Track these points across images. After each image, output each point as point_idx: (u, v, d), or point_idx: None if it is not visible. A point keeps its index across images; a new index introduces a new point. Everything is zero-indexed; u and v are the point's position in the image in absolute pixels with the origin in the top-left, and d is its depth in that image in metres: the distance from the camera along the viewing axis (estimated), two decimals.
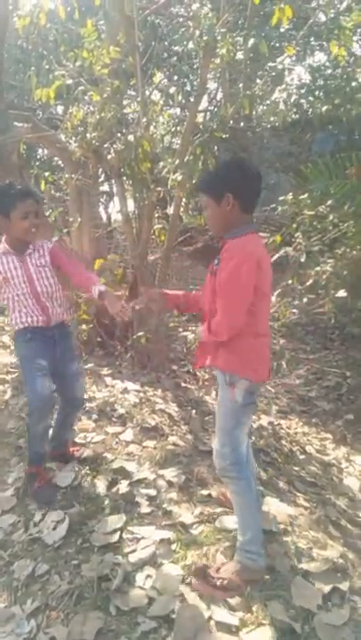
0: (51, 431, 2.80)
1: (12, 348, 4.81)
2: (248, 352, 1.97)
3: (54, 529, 2.35)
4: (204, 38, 3.38)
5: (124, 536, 2.29)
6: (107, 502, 2.54)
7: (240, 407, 1.99)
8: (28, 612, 1.93)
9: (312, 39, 6.67)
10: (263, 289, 1.93)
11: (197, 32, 3.45)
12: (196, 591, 1.96)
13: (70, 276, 2.66)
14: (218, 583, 1.95)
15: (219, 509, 2.49)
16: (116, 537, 2.28)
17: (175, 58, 6.50)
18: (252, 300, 1.89)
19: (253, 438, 3.48)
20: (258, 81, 4.63)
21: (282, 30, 6.14)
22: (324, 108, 4.15)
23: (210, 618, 1.83)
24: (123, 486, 2.64)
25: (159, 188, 3.99)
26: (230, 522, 2.35)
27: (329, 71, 6.43)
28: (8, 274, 2.49)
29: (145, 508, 2.48)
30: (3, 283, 2.52)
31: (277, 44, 6.32)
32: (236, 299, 1.88)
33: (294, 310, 4.21)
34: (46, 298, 2.54)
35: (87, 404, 3.47)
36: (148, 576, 2.05)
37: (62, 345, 2.63)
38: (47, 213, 4.69)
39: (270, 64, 5.68)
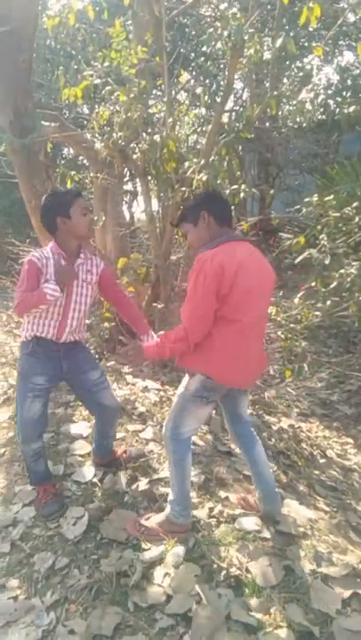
0: (93, 442, 2.84)
1: None
2: (211, 352, 2.07)
3: (74, 524, 2.38)
4: (232, 39, 3.37)
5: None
6: (126, 499, 2.56)
7: (190, 395, 2.17)
8: (48, 604, 1.96)
9: (341, 39, 6.61)
10: (228, 292, 1.98)
11: (225, 32, 3.44)
12: (126, 529, 2.31)
13: (120, 309, 2.69)
14: (143, 530, 2.28)
15: (238, 510, 2.49)
16: None
17: (202, 58, 6.51)
18: (216, 306, 2.00)
19: (273, 440, 3.46)
20: (285, 81, 4.60)
21: (310, 30, 6.10)
22: (352, 109, 4.10)
23: (228, 617, 1.83)
24: (142, 483, 2.66)
25: (184, 188, 3.99)
26: (249, 523, 2.35)
27: (357, 71, 6.36)
28: (49, 276, 2.31)
29: (164, 505, 2.48)
30: (32, 286, 2.29)
31: (306, 44, 6.28)
32: (193, 310, 2.03)
33: (317, 313, 4.17)
34: (74, 316, 2.41)
35: None
36: (167, 574, 2.06)
37: (72, 359, 2.49)
38: None
39: (298, 64, 5.64)
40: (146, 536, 2.26)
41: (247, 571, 2.05)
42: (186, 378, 2.23)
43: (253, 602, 1.91)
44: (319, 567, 2.11)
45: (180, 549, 2.18)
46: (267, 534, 2.30)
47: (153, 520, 2.34)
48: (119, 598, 1.97)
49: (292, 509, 2.55)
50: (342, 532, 2.52)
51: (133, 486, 2.65)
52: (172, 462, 2.28)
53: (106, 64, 3.98)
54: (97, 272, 2.51)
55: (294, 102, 3.75)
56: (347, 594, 1.96)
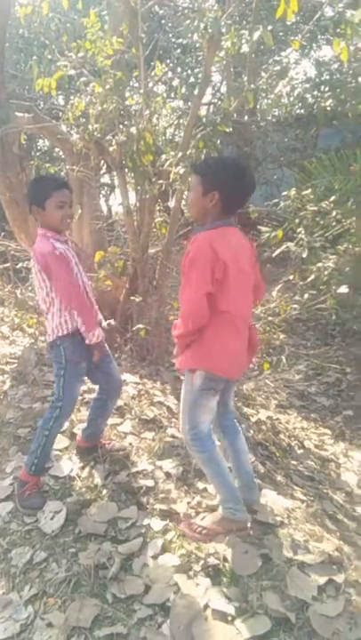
0: (85, 422, 2.85)
1: (12, 338, 4.83)
2: (208, 346, 2.07)
3: (52, 519, 2.36)
4: (209, 31, 3.36)
5: (121, 526, 2.30)
6: (104, 492, 2.56)
7: (198, 391, 2.14)
8: (26, 598, 1.95)
9: (319, 33, 6.64)
10: (221, 278, 1.98)
11: (202, 24, 3.43)
12: (182, 532, 2.23)
13: None
14: (200, 530, 2.21)
15: (216, 501, 2.50)
16: (113, 526, 2.29)
17: (179, 50, 6.47)
18: (211, 290, 1.98)
19: (252, 432, 3.49)
20: (263, 74, 4.61)
21: (288, 24, 6.11)
22: (328, 102, 4.13)
23: (206, 606, 1.84)
24: (121, 476, 2.65)
25: (161, 181, 3.98)
26: None
27: (335, 66, 6.40)
28: (73, 261, 2.44)
29: (142, 498, 2.49)
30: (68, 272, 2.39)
31: (283, 38, 6.29)
32: (194, 290, 1.99)
33: (295, 306, 4.22)
34: (89, 295, 2.52)
35: (86, 396, 3.48)
36: (145, 565, 2.06)
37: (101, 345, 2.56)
38: None
39: (276, 58, 5.66)
40: (205, 536, 2.20)
41: (225, 560, 2.07)
42: (186, 377, 2.20)
43: (231, 590, 1.92)
44: (296, 555, 2.14)
45: (158, 541, 2.19)
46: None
47: (208, 520, 2.28)
48: (98, 590, 1.96)
49: (270, 499, 2.57)
50: (319, 520, 2.56)
51: (111, 479, 2.65)
52: (202, 463, 2.25)
53: (80, 54, 3.93)
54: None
55: (272, 96, 3.76)
56: (322, 580, 1.99)
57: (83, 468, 2.75)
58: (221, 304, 2.03)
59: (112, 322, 2.68)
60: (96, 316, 2.56)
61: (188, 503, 2.49)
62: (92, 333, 2.39)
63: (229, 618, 1.80)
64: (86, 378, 2.71)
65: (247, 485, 2.43)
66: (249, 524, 2.25)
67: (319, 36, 7.61)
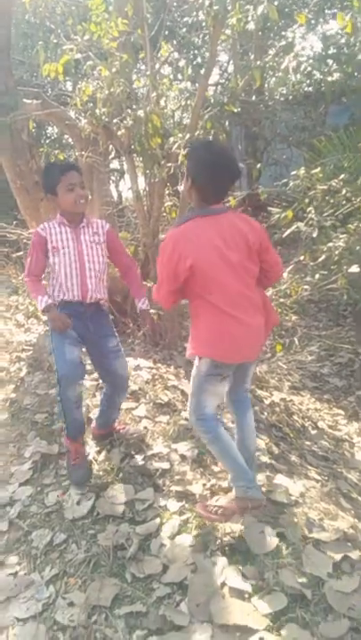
0: (97, 411, 2.89)
1: (27, 326, 4.88)
2: (203, 334, 2.13)
3: (78, 504, 2.41)
4: (215, 8, 3.31)
5: (138, 507, 2.35)
6: (121, 475, 2.60)
7: (203, 376, 2.16)
8: (47, 578, 2.00)
9: (326, 7, 6.49)
10: (190, 274, 2.02)
11: (207, 1, 3.37)
12: (198, 513, 2.23)
13: (122, 271, 2.81)
14: (216, 510, 2.18)
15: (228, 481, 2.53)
16: (130, 508, 2.34)
17: (184, 29, 6.37)
18: (177, 285, 2.06)
19: (266, 414, 3.51)
20: (270, 52, 4.53)
21: None
22: (335, 76, 4.05)
23: (223, 584, 1.88)
24: (137, 460, 2.70)
25: (170, 164, 3.95)
26: None
27: (342, 40, 6.26)
28: (59, 244, 2.51)
29: (158, 481, 2.53)
30: (51, 252, 2.52)
31: (289, 13, 6.16)
32: (159, 285, 2.14)
33: (306, 287, 4.18)
34: (90, 275, 2.54)
35: (100, 382, 3.51)
36: (162, 545, 2.10)
37: (96, 322, 2.63)
38: None
39: (283, 34, 5.54)
40: (221, 516, 2.19)
41: (241, 539, 2.10)
42: (196, 360, 2.22)
43: (247, 569, 1.96)
44: (311, 533, 2.16)
45: (175, 522, 2.23)
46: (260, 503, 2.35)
47: (223, 500, 2.27)
48: (117, 570, 2.01)
49: (284, 479, 2.60)
50: (333, 499, 2.58)
51: (127, 462, 2.69)
52: (209, 443, 2.26)
53: (86, 37, 3.89)
54: (103, 232, 2.64)
55: (279, 73, 3.69)
56: (338, 557, 2.01)
57: (99, 452, 2.79)
58: (204, 293, 2.06)
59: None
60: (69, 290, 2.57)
61: (204, 485, 2.52)
62: (39, 299, 2.51)
63: (246, 595, 1.84)
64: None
65: (246, 461, 2.46)
66: (264, 502, 2.26)
67: (326, 10, 7.44)
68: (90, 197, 4.58)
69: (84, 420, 2.68)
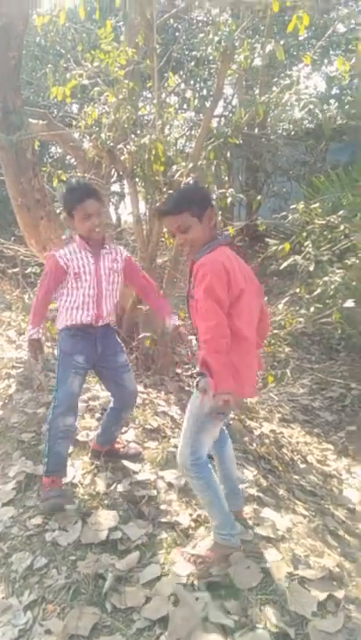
0: (100, 428, 2.87)
1: (19, 342, 4.85)
2: (236, 369, 1.96)
3: (67, 531, 2.34)
4: (223, 44, 3.41)
5: (121, 535, 2.30)
6: (106, 501, 2.55)
7: (208, 415, 2.04)
8: (25, 603, 1.94)
9: (331, 49, 6.70)
10: (234, 298, 1.97)
11: (217, 38, 3.48)
12: (179, 557, 2.15)
13: (144, 295, 2.86)
14: (194, 560, 2.12)
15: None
16: (113, 535, 2.28)
17: (192, 62, 6.55)
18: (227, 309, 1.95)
19: (255, 445, 3.48)
20: (274, 89, 4.66)
21: (301, 39, 6.18)
22: (335, 114, 4.16)
23: (205, 619, 1.83)
24: (123, 485, 2.65)
25: (171, 191, 4.00)
26: None
27: (346, 82, 6.45)
28: (81, 269, 2.52)
29: (144, 508, 2.48)
30: (73, 277, 2.52)
31: (295, 53, 6.35)
32: (211, 309, 1.90)
33: (301, 319, 4.21)
34: (106, 302, 2.58)
35: (90, 403, 3.48)
36: (145, 576, 2.05)
37: (105, 342, 2.65)
38: (57, 211, 4.72)
39: (288, 72, 5.71)
40: (200, 565, 2.10)
41: (225, 573, 2.06)
42: (195, 397, 2.09)
43: (231, 604, 1.91)
44: (296, 570, 2.12)
45: (159, 552, 2.19)
46: (246, 537, 2.31)
47: (201, 548, 2.21)
48: (97, 599, 1.96)
49: (271, 514, 2.56)
50: (320, 535, 2.55)
51: (114, 488, 2.64)
52: (200, 489, 2.15)
53: (95, 64, 3.98)
54: (122, 259, 2.66)
55: (280, 107, 3.79)
56: (323, 596, 1.98)
57: (85, 474, 2.75)
58: (239, 323, 1.99)
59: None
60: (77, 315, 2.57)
61: (190, 515, 2.48)
62: (33, 328, 2.59)
63: (228, 631, 1.79)
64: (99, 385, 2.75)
65: (232, 493, 2.44)
66: (240, 547, 2.19)
67: (331, 52, 7.69)
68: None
69: (67, 456, 2.59)
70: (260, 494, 2.76)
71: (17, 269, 5.80)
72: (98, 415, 3.38)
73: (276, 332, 4.15)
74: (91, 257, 2.55)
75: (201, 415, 2.06)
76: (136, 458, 2.90)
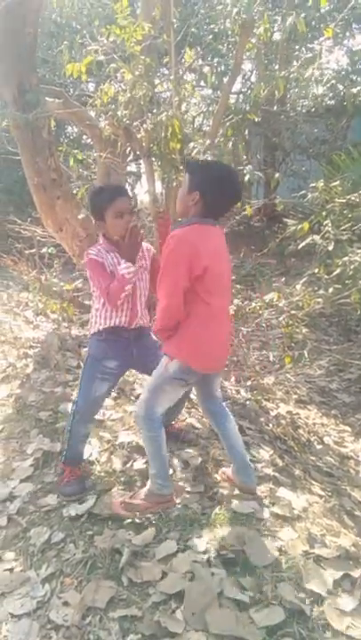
0: None
1: (36, 323, 4.88)
2: (191, 338, 2.14)
3: (80, 503, 2.39)
4: (243, 16, 3.32)
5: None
6: (122, 478, 2.58)
7: (169, 378, 2.22)
8: (43, 576, 1.98)
9: (353, 22, 6.49)
10: (201, 274, 2.03)
11: (235, 10, 3.38)
12: (113, 510, 2.32)
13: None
14: (129, 508, 2.30)
15: (235, 491, 2.50)
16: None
17: (210, 36, 6.39)
18: (188, 286, 2.05)
19: (271, 426, 3.48)
20: (294, 63, 4.54)
21: (322, 11, 5.99)
22: (357, 89, 4.01)
23: (220, 594, 1.85)
24: (138, 463, 2.67)
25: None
26: (245, 505, 2.37)
27: None
28: (112, 267, 2.39)
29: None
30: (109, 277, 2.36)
31: (316, 26, 6.16)
32: (171, 284, 2.05)
33: (319, 300, 4.15)
34: (140, 301, 2.51)
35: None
36: (160, 552, 2.07)
37: (140, 345, 2.54)
38: (74, 191, 4.69)
39: (308, 46, 5.55)
40: (134, 512, 2.29)
41: (242, 551, 2.07)
42: (162, 361, 2.26)
43: (246, 580, 1.92)
44: (312, 548, 2.13)
45: (175, 528, 2.20)
46: (261, 516, 2.32)
47: (137, 496, 2.38)
48: (113, 573, 1.99)
49: (287, 493, 2.56)
50: (336, 516, 2.54)
51: (130, 465, 2.67)
52: (146, 439, 2.35)
53: (111, 39, 3.90)
54: (149, 256, 2.58)
55: (302, 83, 3.69)
56: (338, 575, 1.98)
57: (102, 452, 2.77)
58: (205, 296, 2.09)
59: None
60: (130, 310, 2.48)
61: (206, 491, 2.49)
62: (123, 277, 2.30)
63: (243, 607, 1.81)
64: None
65: (242, 467, 2.48)
66: (176, 498, 2.39)
67: (354, 25, 7.45)
68: None
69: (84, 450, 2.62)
70: (276, 474, 2.76)
71: (34, 250, 5.81)
72: (114, 395, 3.40)
73: (293, 312, 4.10)
74: (120, 257, 2.39)
75: (162, 376, 2.24)
76: (190, 441, 2.94)
